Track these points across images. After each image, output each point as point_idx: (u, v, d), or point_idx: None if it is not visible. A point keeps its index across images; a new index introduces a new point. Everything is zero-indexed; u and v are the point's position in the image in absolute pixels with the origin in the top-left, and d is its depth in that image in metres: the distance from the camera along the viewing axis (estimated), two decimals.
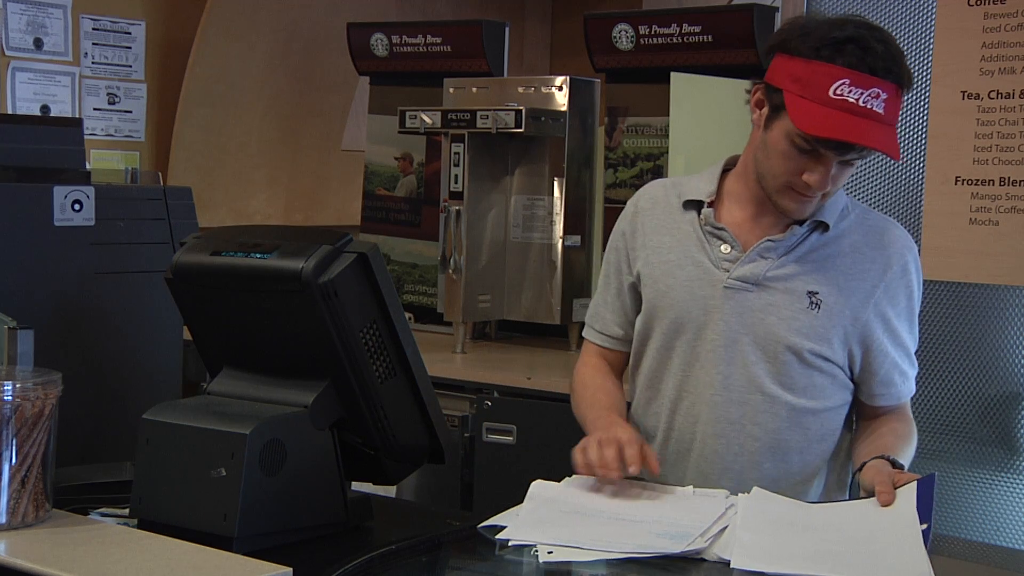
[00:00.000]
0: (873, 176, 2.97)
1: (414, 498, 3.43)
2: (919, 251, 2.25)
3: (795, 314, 2.13)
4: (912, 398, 2.24)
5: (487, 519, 1.88)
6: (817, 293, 2.13)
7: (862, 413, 2.24)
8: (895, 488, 1.92)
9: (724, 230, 2.19)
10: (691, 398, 2.20)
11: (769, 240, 2.16)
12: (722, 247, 2.18)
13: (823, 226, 2.16)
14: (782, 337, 2.13)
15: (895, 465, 2.03)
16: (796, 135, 2.03)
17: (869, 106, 1.99)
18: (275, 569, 1.67)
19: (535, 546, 1.78)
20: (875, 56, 1.99)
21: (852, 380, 2.20)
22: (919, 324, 2.23)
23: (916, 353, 2.24)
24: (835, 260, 2.15)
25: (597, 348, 2.36)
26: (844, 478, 2.26)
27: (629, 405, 2.31)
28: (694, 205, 2.23)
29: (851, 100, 1.99)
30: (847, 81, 1.99)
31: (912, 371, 2.23)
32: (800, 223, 2.16)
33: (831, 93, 2.00)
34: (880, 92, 1.99)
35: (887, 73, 2.00)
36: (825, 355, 2.14)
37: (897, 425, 2.21)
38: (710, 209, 2.21)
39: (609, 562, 1.75)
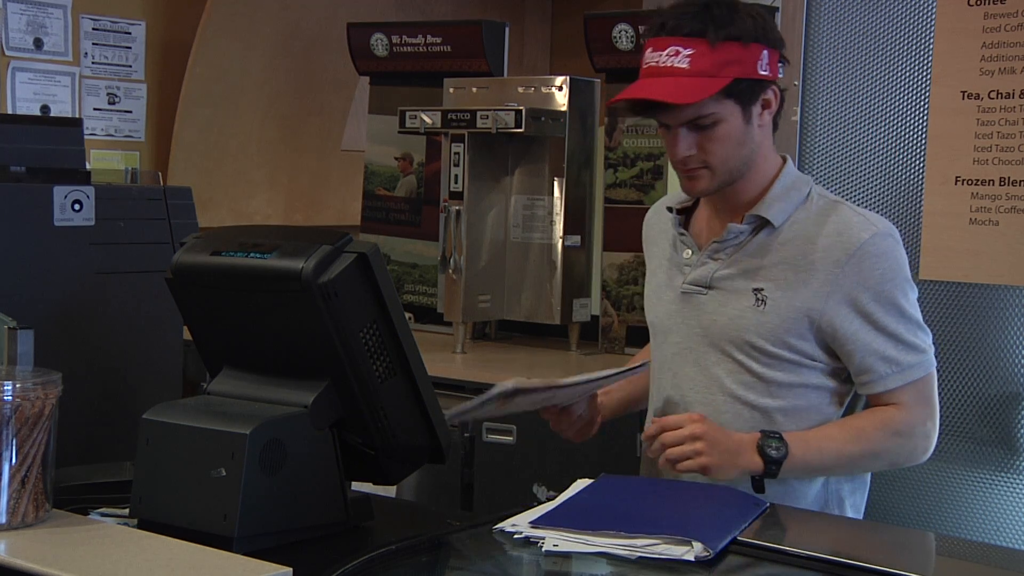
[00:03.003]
0: (873, 176, 2.97)
1: (414, 498, 3.42)
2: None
3: (742, 312, 2.15)
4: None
5: (503, 521, 1.87)
6: (762, 290, 2.14)
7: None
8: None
9: (686, 235, 2.25)
10: (664, 401, 2.25)
11: (715, 242, 2.20)
12: (685, 252, 2.24)
13: (770, 222, 2.17)
14: (733, 337, 2.16)
15: (765, 437, 2.05)
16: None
17: (670, 64, 2.08)
18: (275, 569, 1.67)
19: (542, 539, 1.79)
20: (670, 18, 2.10)
21: (844, 373, 2.18)
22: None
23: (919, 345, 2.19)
24: (783, 254, 2.15)
25: None
26: (854, 479, 2.26)
27: None
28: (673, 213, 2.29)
29: (653, 64, 2.10)
30: (650, 49, 2.12)
31: (905, 356, 2.13)
32: (739, 220, 2.19)
33: (643, 64, 2.13)
34: (679, 49, 2.08)
35: (678, 29, 2.08)
36: (776, 352, 2.13)
37: (861, 416, 2.17)
38: (677, 215, 2.28)
39: (610, 561, 1.75)
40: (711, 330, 2.18)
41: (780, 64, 2.16)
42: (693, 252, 2.23)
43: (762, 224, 2.17)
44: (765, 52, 2.11)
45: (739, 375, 2.16)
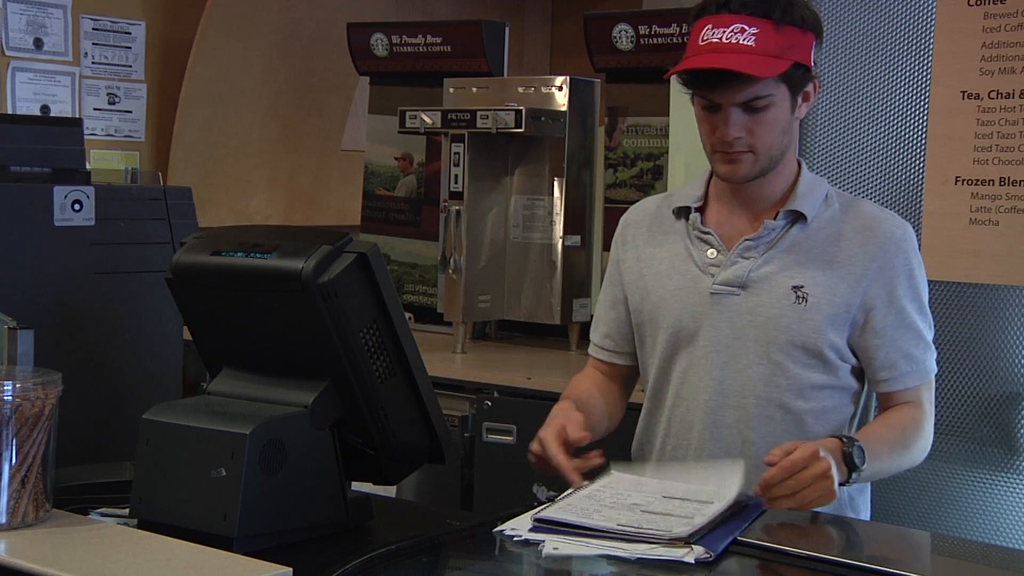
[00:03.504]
0: (873, 176, 2.96)
1: (414, 498, 3.43)
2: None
3: (782, 311, 2.12)
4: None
5: (503, 521, 1.87)
6: (802, 287, 2.13)
7: (881, 407, 2.22)
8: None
9: (710, 233, 2.20)
10: (686, 404, 2.21)
11: (747, 240, 2.17)
12: (708, 252, 2.19)
13: (802, 217, 2.16)
14: (772, 337, 2.13)
15: (849, 444, 2.00)
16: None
17: (735, 41, 2.05)
18: (275, 569, 1.67)
19: (542, 541, 1.78)
20: None
21: (861, 373, 2.19)
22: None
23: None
24: (819, 250, 2.15)
25: (593, 360, 2.40)
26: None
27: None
28: (684, 212, 2.25)
29: (715, 40, 2.06)
30: (709, 26, 2.08)
31: (924, 355, 2.17)
32: (773, 217, 2.17)
33: (699, 41, 2.08)
34: (744, 27, 2.05)
35: (744, 7, 2.05)
36: (819, 350, 2.12)
37: (895, 415, 2.17)
38: (697, 214, 2.22)
39: (610, 562, 1.75)
40: (747, 331, 2.14)
41: None
42: (720, 251, 2.19)
43: (794, 220, 2.17)
44: (814, 43, 2.13)
45: (774, 378, 2.13)
